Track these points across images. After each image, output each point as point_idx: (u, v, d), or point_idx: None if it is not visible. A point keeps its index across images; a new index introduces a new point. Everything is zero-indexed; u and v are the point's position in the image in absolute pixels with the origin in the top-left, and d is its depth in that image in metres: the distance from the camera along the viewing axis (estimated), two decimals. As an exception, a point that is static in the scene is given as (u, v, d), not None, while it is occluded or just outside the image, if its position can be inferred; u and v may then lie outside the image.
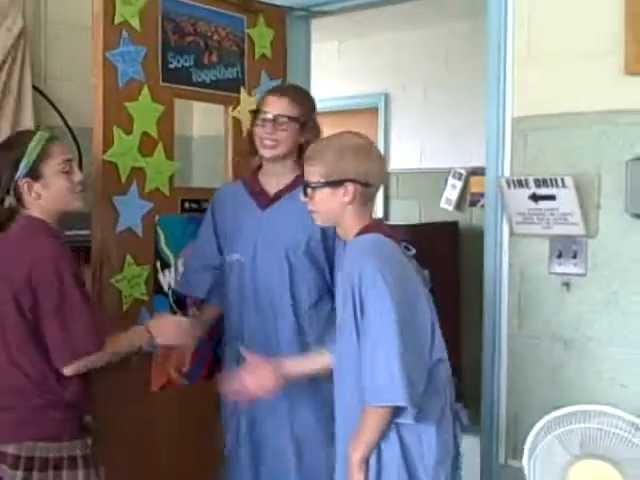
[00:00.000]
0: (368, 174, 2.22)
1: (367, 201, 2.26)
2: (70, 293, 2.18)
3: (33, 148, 2.28)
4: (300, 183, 2.44)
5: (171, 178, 2.93)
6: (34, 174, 2.25)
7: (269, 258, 2.69)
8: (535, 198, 2.64)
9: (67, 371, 2.21)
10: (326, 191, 2.21)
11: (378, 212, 6.50)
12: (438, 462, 2.11)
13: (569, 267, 2.64)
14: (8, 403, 2.26)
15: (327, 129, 7.23)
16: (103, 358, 2.28)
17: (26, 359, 2.22)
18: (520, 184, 2.66)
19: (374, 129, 6.49)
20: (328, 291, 2.69)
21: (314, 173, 2.23)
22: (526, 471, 2.29)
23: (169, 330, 2.48)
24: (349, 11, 3.52)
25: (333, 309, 2.51)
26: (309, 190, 2.24)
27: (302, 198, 2.28)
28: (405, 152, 6.26)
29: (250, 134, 2.78)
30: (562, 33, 2.65)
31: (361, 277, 2.08)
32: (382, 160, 2.34)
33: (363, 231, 2.24)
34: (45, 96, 3.26)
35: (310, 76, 3.69)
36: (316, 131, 2.76)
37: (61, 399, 2.24)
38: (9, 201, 2.29)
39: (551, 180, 2.59)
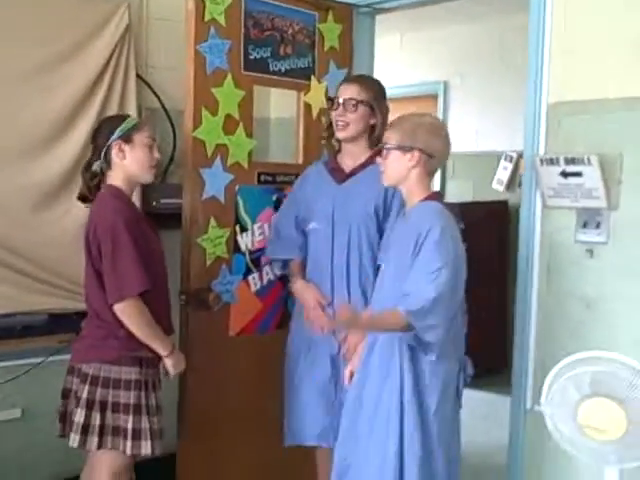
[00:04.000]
0: (434, 148, 2.46)
1: (430, 172, 2.51)
2: (122, 244, 2.45)
3: (130, 120, 2.62)
4: (372, 162, 2.69)
5: (250, 154, 3.14)
6: (127, 138, 2.56)
7: (343, 225, 2.86)
8: (565, 174, 2.77)
9: (117, 309, 2.47)
10: (397, 153, 2.45)
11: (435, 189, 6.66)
12: (442, 392, 2.43)
13: (592, 236, 2.77)
14: (85, 331, 2.62)
15: (391, 116, 7.43)
16: (143, 323, 2.50)
17: (94, 296, 2.53)
18: (551, 162, 2.80)
19: (433, 114, 6.61)
20: None
21: (391, 138, 2.47)
22: (544, 409, 2.45)
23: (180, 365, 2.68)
24: (409, 8, 3.64)
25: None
26: (384, 151, 2.47)
27: (378, 159, 2.52)
28: (461, 136, 6.35)
29: (328, 122, 2.96)
30: (591, 29, 2.76)
31: (429, 232, 2.34)
32: (448, 142, 2.54)
33: (427, 198, 2.49)
34: (146, 82, 3.46)
35: (374, 65, 3.80)
36: (385, 114, 2.90)
37: (117, 333, 2.51)
38: (99, 165, 2.59)
39: (579, 159, 2.71)
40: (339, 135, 2.89)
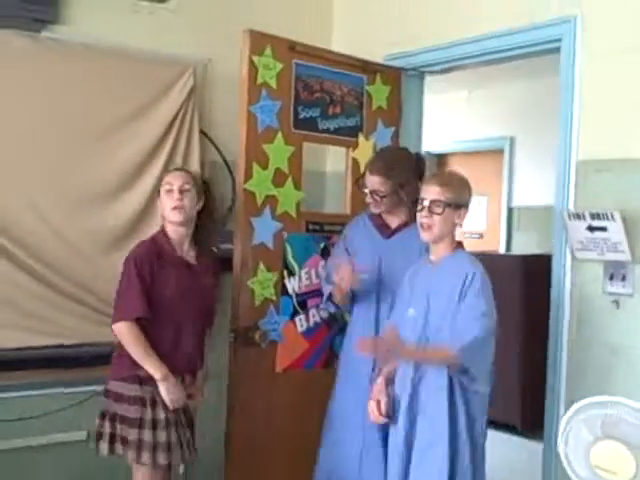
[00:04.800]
0: (470, 203, 2.68)
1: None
2: (128, 276, 2.82)
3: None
4: (406, 225, 3.02)
5: (298, 204, 3.39)
6: (158, 190, 2.98)
7: (391, 276, 3.05)
8: (591, 229, 2.92)
9: (114, 328, 2.82)
10: (449, 211, 2.62)
11: (501, 244, 6.78)
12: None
13: (619, 288, 2.90)
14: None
15: (456, 168, 7.66)
16: (135, 344, 2.80)
17: None
18: (578, 217, 2.95)
19: (499, 168, 6.78)
20: None
21: (444, 195, 2.61)
22: (560, 449, 2.57)
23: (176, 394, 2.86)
24: (453, 71, 3.85)
25: None
26: (437, 207, 2.59)
27: (424, 213, 2.62)
28: (526, 190, 6.49)
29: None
30: (616, 93, 2.95)
31: (474, 277, 2.55)
32: None
33: (459, 247, 2.72)
34: (209, 138, 3.77)
35: (422, 123, 3.98)
36: (415, 188, 2.98)
37: (122, 353, 2.84)
38: None
39: (603, 214, 2.86)
40: (374, 211, 3.12)
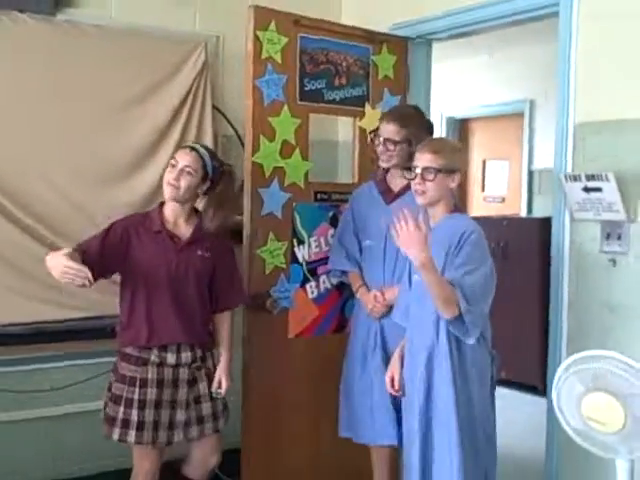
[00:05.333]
0: (464, 169, 2.81)
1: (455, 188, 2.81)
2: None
3: None
4: (408, 187, 2.99)
5: (306, 174, 3.50)
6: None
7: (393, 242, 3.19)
8: (587, 190, 3.00)
9: None
10: (441, 176, 2.72)
11: (522, 206, 6.83)
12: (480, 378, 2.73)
13: (615, 247, 2.98)
14: None
15: (477, 133, 7.66)
16: None
17: None
18: (575, 179, 3.02)
19: (520, 131, 6.80)
20: None
21: (434, 161, 2.72)
22: (553, 399, 2.69)
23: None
24: (459, 37, 3.91)
25: None
26: (429, 174, 2.71)
27: (417, 179, 2.73)
28: (547, 153, 6.50)
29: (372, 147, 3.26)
30: (611, 57, 3.00)
31: (471, 234, 2.66)
32: None
33: (456, 210, 2.82)
34: (222, 113, 3.92)
35: (430, 90, 4.05)
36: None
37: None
38: None
39: (598, 175, 2.93)
40: (383, 165, 3.21)
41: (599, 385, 2.53)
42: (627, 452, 2.57)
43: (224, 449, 3.15)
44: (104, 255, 2.85)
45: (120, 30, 3.61)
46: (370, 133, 3.35)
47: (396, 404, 3.08)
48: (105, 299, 3.48)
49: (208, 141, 3.75)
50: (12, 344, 3.39)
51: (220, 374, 3.02)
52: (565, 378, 2.64)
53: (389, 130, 3.14)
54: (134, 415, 2.85)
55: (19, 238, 3.39)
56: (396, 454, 3.28)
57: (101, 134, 3.55)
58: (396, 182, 3.25)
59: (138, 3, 3.68)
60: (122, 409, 2.86)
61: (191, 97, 3.79)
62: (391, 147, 3.14)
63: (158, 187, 3.52)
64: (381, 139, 3.16)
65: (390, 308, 3.09)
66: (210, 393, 3.01)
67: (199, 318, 3.00)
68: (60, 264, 2.64)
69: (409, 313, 2.88)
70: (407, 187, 3.14)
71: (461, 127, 7.45)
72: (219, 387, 3.01)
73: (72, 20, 3.54)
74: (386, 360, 3.11)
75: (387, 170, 3.29)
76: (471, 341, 2.68)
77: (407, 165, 3.05)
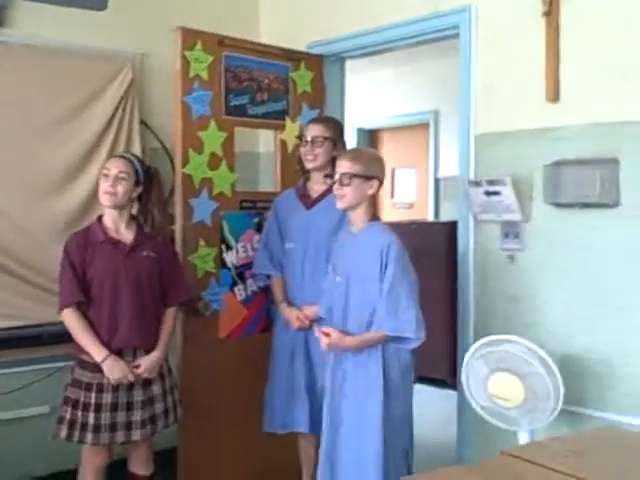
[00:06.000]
0: (383, 177, 3.02)
1: (375, 196, 3.03)
2: (62, 267, 3.05)
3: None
4: (327, 193, 3.30)
5: (233, 185, 3.74)
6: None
7: (312, 244, 3.42)
8: (487, 193, 3.35)
9: (62, 317, 3.06)
10: (358, 181, 2.94)
11: (429, 212, 7.25)
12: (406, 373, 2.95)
13: (513, 244, 3.35)
14: None
15: (386, 143, 8.08)
16: (76, 329, 3.02)
17: None
18: (477, 184, 3.38)
19: (425, 141, 7.22)
20: None
21: (352, 167, 2.94)
22: (463, 381, 3.03)
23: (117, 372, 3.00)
24: (370, 55, 4.25)
25: None
26: (346, 179, 2.92)
27: (336, 185, 2.95)
28: (451, 161, 6.92)
29: (299, 156, 3.52)
30: (504, 74, 3.37)
31: (390, 248, 2.85)
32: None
33: (374, 219, 3.02)
34: (149, 127, 4.13)
35: (344, 103, 4.39)
36: (344, 147, 3.46)
37: None
38: None
39: (497, 180, 3.29)
40: (308, 166, 3.45)
41: (502, 366, 2.88)
42: (527, 423, 2.93)
43: (162, 448, 3.34)
44: (83, 284, 3.03)
45: (50, 49, 3.76)
46: (297, 138, 3.62)
47: (310, 392, 3.38)
48: (39, 308, 3.63)
49: (137, 153, 3.93)
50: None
51: (140, 361, 3.09)
52: (472, 362, 2.98)
53: (316, 129, 3.42)
54: (91, 418, 2.98)
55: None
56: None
57: (34, 148, 3.70)
58: (315, 189, 3.50)
59: (68, 23, 3.82)
60: (80, 412, 2.99)
61: (120, 113, 3.96)
62: (319, 144, 3.38)
63: (92, 196, 3.72)
64: (308, 138, 3.40)
65: (311, 322, 3.35)
66: (164, 392, 3.19)
67: (154, 319, 3.15)
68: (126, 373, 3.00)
69: (332, 313, 3.11)
70: (325, 193, 3.43)
71: (371, 137, 7.82)
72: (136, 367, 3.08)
73: (2, 41, 3.68)
74: (309, 366, 3.41)
75: (307, 179, 3.55)
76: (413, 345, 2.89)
77: (327, 172, 3.36)
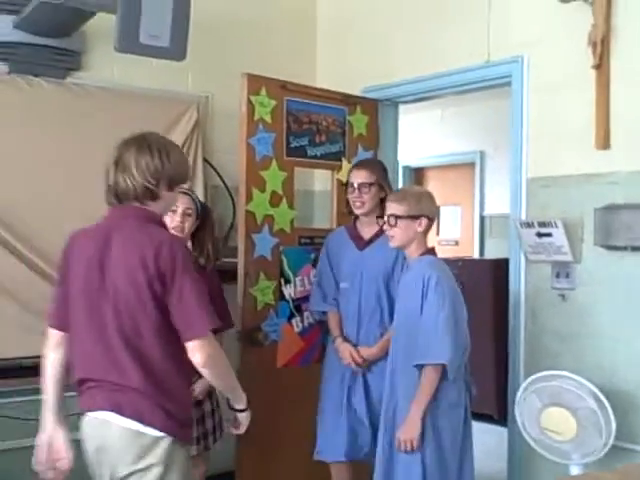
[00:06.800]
0: (433, 213, 3.14)
1: (428, 231, 3.14)
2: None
3: None
4: (379, 235, 3.42)
5: (292, 221, 3.92)
6: None
7: (368, 283, 3.52)
8: (539, 235, 3.49)
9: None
10: (406, 221, 3.06)
11: (475, 249, 7.36)
12: (453, 408, 3.01)
13: (564, 284, 3.47)
14: None
15: (433, 181, 8.19)
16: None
17: None
18: (529, 225, 3.51)
19: (471, 181, 7.36)
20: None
21: (399, 208, 3.06)
22: (517, 415, 3.13)
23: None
24: (422, 101, 4.44)
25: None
26: (394, 219, 3.05)
27: (385, 226, 3.09)
28: (496, 199, 7.06)
29: (347, 200, 3.61)
30: (555, 121, 3.53)
31: (429, 280, 2.95)
32: (436, 204, 3.20)
33: (425, 253, 3.12)
34: (212, 165, 4.33)
35: (397, 145, 4.57)
36: (390, 187, 3.59)
37: None
38: None
39: (548, 222, 3.43)
40: (357, 212, 3.55)
41: (554, 401, 2.99)
42: (579, 457, 3.03)
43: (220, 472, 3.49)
44: None
45: (122, 91, 4.02)
46: (344, 185, 3.72)
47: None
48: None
49: (199, 191, 4.14)
50: None
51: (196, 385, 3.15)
52: (526, 396, 3.09)
53: (361, 175, 3.50)
54: None
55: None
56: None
57: (101, 187, 3.89)
58: (365, 230, 3.60)
59: (138, 66, 4.04)
60: None
61: (185, 150, 4.18)
62: (365, 190, 3.48)
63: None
64: (355, 185, 3.50)
65: (364, 362, 3.45)
66: (212, 410, 3.38)
67: None
68: None
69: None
70: (377, 234, 3.53)
71: (416, 175, 7.99)
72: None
73: (79, 83, 3.93)
74: (369, 407, 3.47)
75: (356, 218, 3.64)
76: (451, 377, 2.93)
77: (377, 214, 3.45)
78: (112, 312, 2.24)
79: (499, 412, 5.79)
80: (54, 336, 2.40)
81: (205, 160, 4.31)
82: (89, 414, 2.30)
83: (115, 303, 2.24)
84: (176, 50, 3.18)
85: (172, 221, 3.24)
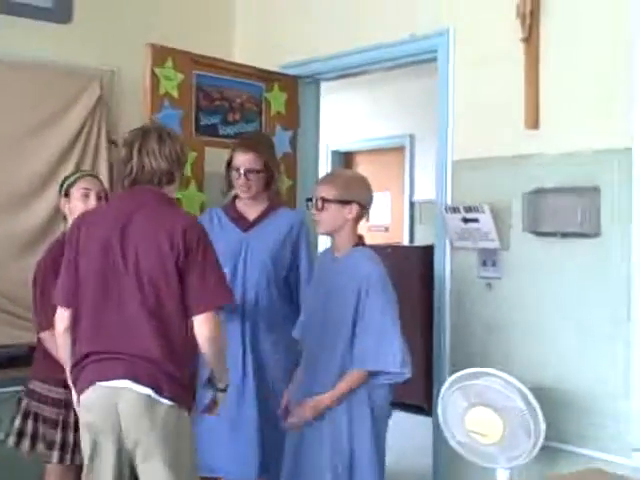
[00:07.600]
0: (366, 200, 2.84)
1: (359, 219, 2.83)
2: None
3: (67, 178, 3.09)
4: (270, 212, 3.14)
5: (201, 205, 3.63)
6: (66, 193, 3.03)
7: (253, 266, 3.18)
8: (465, 220, 3.26)
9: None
10: (335, 206, 2.76)
11: (405, 235, 7.16)
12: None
13: (490, 272, 3.25)
14: None
15: (362, 166, 7.93)
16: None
17: None
18: (454, 210, 3.28)
19: (401, 165, 7.15)
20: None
21: (328, 192, 2.76)
22: (439, 415, 2.91)
23: None
24: (344, 77, 4.17)
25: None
26: (322, 203, 2.75)
27: (313, 210, 2.79)
28: (427, 185, 6.85)
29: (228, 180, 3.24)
30: (483, 100, 3.30)
31: (369, 277, 2.67)
32: (372, 193, 2.88)
33: (358, 244, 2.83)
34: (116, 144, 3.98)
35: (319, 124, 4.30)
36: (277, 167, 3.27)
37: (47, 355, 2.89)
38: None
39: (475, 207, 3.20)
40: (243, 196, 3.20)
41: (480, 400, 2.76)
42: (506, 461, 2.82)
43: None
44: None
45: (18, 62, 3.62)
46: (227, 166, 3.26)
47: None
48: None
49: (103, 170, 3.81)
50: None
51: None
52: (449, 395, 2.86)
53: (249, 160, 3.16)
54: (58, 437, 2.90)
55: None
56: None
57: (-1, 163, 3.55)
58: (251, 211, 3.26)
59: (36, 37, 3.69)
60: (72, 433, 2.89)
61: (87, 129, 3.82)
62: (253, 177, 3.16)
63: (55, 214, 3.53)
64: (242, 171, 3.15)
65: None
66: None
67: None
68: None
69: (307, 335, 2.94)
70: (263, 215, 3.23)
71: (345, 160, 7.74)
72: None
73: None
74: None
75: (235, 197, 3.30)
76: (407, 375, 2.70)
77: (262, 190, 3.20)
78: (134, 286, 2.34)
79: (429, 404, 5.61)
80: (68, 315, 2.48)
81: (111, 141, 3.95)
82: (99, 384, 2.35)
83: (138, 277, 2.34)
84: (59, 11, 2.80)
85: (87, 206, 2.97)
